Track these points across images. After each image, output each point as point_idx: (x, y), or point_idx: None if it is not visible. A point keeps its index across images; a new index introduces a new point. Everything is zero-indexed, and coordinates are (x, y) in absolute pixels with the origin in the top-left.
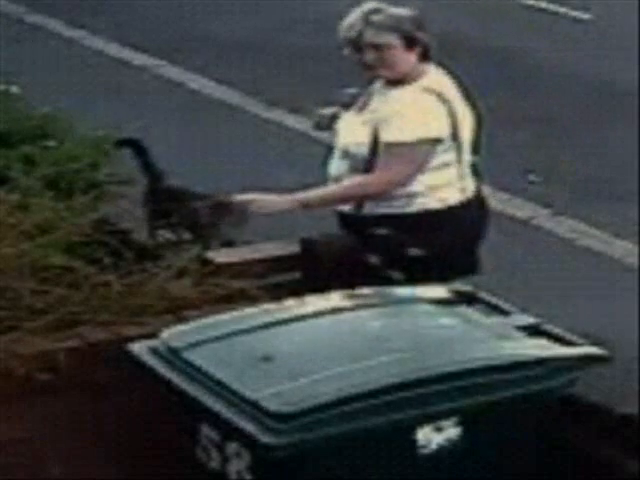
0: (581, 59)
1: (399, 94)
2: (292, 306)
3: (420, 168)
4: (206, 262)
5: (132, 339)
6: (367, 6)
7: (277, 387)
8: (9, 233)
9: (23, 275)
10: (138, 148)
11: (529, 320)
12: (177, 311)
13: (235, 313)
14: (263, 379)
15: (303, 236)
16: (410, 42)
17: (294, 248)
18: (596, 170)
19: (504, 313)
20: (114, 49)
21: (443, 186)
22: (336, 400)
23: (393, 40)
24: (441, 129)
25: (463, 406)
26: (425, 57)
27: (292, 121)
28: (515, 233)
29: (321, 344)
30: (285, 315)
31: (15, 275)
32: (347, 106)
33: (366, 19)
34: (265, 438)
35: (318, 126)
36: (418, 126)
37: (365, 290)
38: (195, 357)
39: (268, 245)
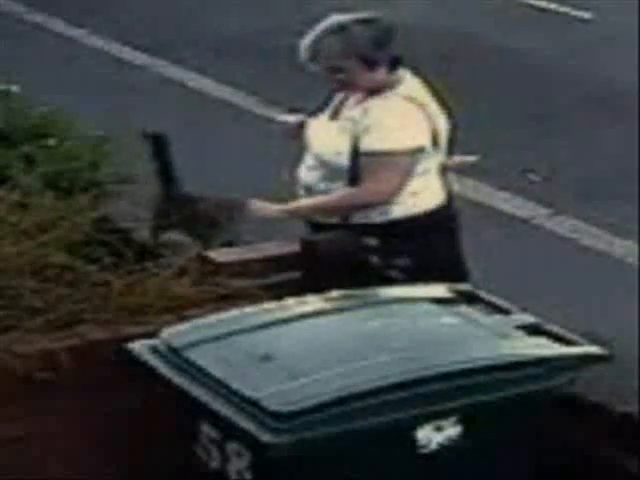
0: (581, 59)
1: (379, 103)
2: (292, 305)
3: (406, 178)
4: (206, 261)
5: (132, 338)
6: (323, 26)
7: (277, 386)
8: (9, 232)
9: (23, 274)
10: (162, 145)
11: (529, 319)
12: (177, 310)
13: (235, 312)
14: (263, 378)
15: (303, 236)
16: (370, 63)
17: (294, 247)
18: (596, 170)
19: (504, 312)
20: (114, 48)
21: (425, 191)
22: (336, 399)
23: (350, 64)
24: (423, 138)
25: (463, 405)
26: (394, 66)
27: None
28: (515, 233)
29: (321, 343)
30: (285, 314)
31: (15, 274)
32: (313, 113)
33: (320, 44)
34: (265, 437)
35: (284, 135)
36: (402, 135)
37: (365, 289)
38: (195, 356)
39: (268, 245)
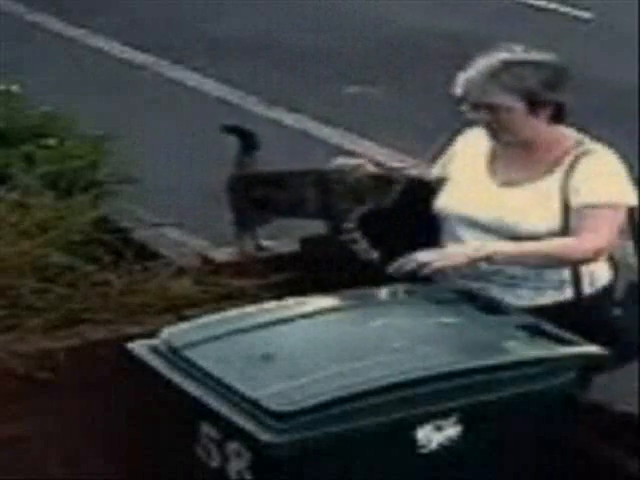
0: (581, 59)
1: (588, 158)
2: (292, 305)
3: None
4: (206, 261)
5: (132, 338)
6: (485, 62)
7: (277, 386)
8: (9, 232)
9: (23, 274)
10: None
11: (529, 319)
12: (177, 310)
13: (235, 312)
14: (263, 378)
15: (303, 235)
16: (533, 104)
17: (294, 247)
18: None
19: (504, 312)
20: (115, 48)
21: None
22: (336, 399)
23: (511, 102)
24: (634, 195)
25: (463, 405)
26: (557, 119)
27: (291, 120)
28: None
29: (321, 343)
30: (285, 314)
31: (15, 274)
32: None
33: (478, 78)
34: (265, 437)
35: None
36: (622, 190)
37: (365, 289)
38: (195, 356)
39: (267, 243)
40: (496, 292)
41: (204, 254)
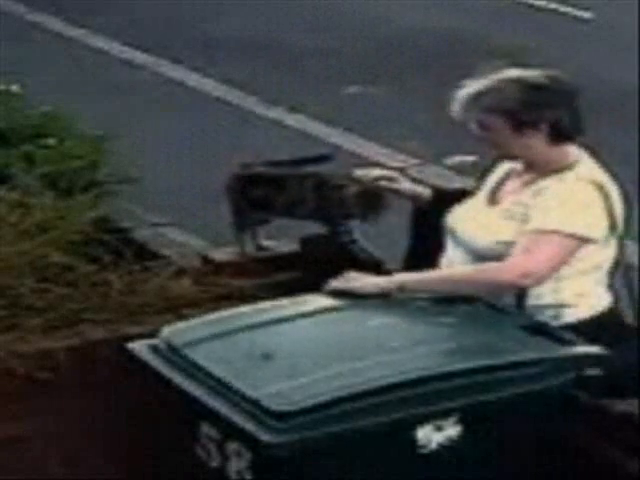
0: (582, 58)
1: (557, 185)
2: (292, 304)
3: (558, 268)
4: (206, 261)
5: (132, 338)
6: (482, 80)
7: (277, 386)
8: (9, 232)
9: (23, 274)
10: None
11: (529, 320)
12: (177, 310)
13: (235, 311)
14: (263, 377)
15: (303, 235)
16: (517, 124)
17: (294, 247)
18: None
19: (504, 312)
20: (115, 48)
21: (592, 290)
22: (336, 399)
23: (492, 121)
24: (597, 229)
25: (463, 405)
26: (558, 139)
27: (291, 120)
28: None
29: (321, 343)
30: (285, 313)
31: (15, 274)
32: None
33: (472, 96)
34: (265, 437)
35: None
36: (576, 219)
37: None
38: (195, 355)
39: (268, 243)
40: None
41: (204, 254)
